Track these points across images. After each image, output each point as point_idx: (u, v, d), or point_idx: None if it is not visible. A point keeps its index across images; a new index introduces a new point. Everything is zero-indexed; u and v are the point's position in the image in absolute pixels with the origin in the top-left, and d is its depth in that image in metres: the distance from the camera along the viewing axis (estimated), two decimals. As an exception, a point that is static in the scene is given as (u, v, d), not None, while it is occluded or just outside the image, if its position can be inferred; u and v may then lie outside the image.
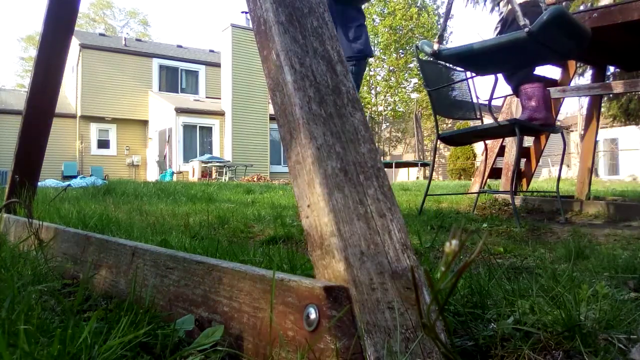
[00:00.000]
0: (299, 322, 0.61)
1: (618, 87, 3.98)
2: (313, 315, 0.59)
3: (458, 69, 3.70)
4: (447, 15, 3.13)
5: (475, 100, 3.86)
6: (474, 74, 3.50)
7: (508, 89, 4.31)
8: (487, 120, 3.46)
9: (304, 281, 0.62)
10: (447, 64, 3.46)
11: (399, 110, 24.43)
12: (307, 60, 0.73)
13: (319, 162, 0.66)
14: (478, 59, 2.79)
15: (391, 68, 23.81)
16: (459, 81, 3.76)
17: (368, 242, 0.64)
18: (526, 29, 2.35)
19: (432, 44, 2.92)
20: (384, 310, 0.60)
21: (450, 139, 3.57)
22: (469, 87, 3.89)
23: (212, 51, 25.19)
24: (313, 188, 0.66)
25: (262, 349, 0.66)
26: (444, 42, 24.19)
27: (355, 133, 0.72)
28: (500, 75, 3.29)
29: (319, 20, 0.78)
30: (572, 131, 24.34)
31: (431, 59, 3.19)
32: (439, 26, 24.12)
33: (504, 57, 2.71)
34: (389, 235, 0.66)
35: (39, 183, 2.40)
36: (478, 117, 3.88)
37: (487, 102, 3.25)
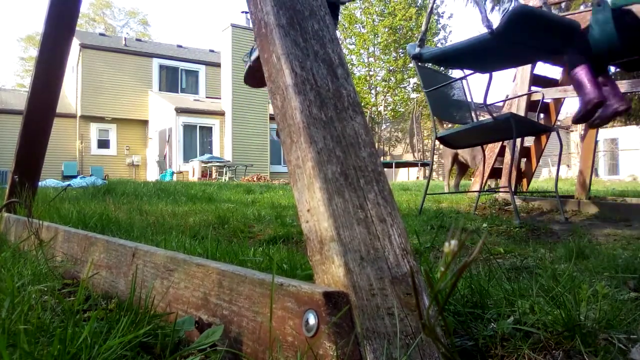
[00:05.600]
0: (298, 327, 0.61)
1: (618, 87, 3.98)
2: (312, 320, 0.58)
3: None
4: (428, 20, 3.17)
5: (472, 102, 3.86)
6: (468, 74, 3.50)
7: (509, 92, 4.31)
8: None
9: (304, 286, 0.62)
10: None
11: (399, 110, 24.43)
12: (307, 64, 0.73)
13: (319, 166, 0.66)
14: (456, 59, 2.81)
15: (391, 68, 23.81)
16: (450, 82, 3.76)
17: (368, 247, 0.63)
18: (488, 30, 2.36)
19: (415, 47, 2.96)
20: (383, 316, 0.60)
21: (448, 139, 3.57)
22: (463, 89, 3.91)
23: (212, 51, 25.17)
24: (313, 192, 0.66)
25: (261, 353, 0.66)
26: (444, 43, 24.13)
27: (356, 137, 0.71)
28: (495, 72, 3.27)
29: (320, 23, 0.78)
30: (572, 131, 24.32)
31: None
32: (438, 26, 24.09)
33: (483, 56, 2.71)
34: (389, 240, 0.65)
35: (39, 183, 2.40)
36: (476, 119, 3.89)
37: (487, 104, 3.26)
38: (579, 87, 2.72)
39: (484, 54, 2.64)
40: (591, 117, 2.76)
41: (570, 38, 2.51)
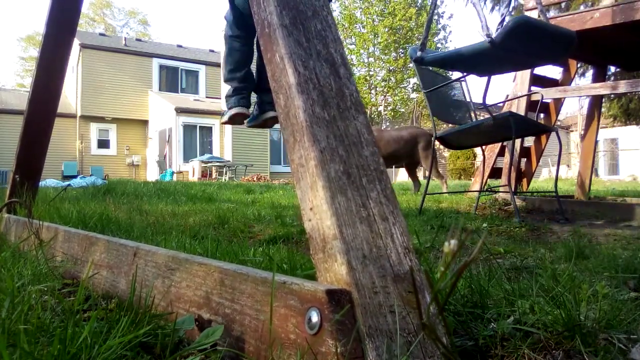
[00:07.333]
0: (300, 325, 0.61)
1: (619, 87, 3.99)
2: (315, 318, 0.59)
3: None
4: (428, 25, 3.21)
5: (471, 102, 3.88)
6: (465, 75, 3.54)
7: (508, 93, 4.33)
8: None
9: (306, 284, 0.62)
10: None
11: (399, 110, 24.45)
12: (310, 63, 0.73)
13: (322, 165, 0.66)
14: (456, 64, 2.89)
15: (391, 68, 23.83)
16: (449, 82, 3.77)
17: (370, 245, 0.64)
18: (487, 39, 2.43)
19: (417, 50, 3.03)
20: (385, 314, 0.60)
21: (448, 140, 3.58)
22: (462, 89, 3.92)
23: (212, 51, 25.17)
24: (316, 191, 0.66)
25: (263, 351, 0.66)
26: (444, 43, 24.11)
27: (358, 136, 0.72)
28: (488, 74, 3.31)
29: (323, 23, 0.78)
30: (572, 131, 24.34)
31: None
32: (438, 26, 24.10)
33: (482, 62, 2.80)
34: (391, 239, 0.66)
35: (40, 183, 2.40)
36: (475, 119, 3.90)
37: (487, 104, 3.27)
38: None
39: (483, 60, 2.73)
40: None
41: (565, 47, 2.59)
